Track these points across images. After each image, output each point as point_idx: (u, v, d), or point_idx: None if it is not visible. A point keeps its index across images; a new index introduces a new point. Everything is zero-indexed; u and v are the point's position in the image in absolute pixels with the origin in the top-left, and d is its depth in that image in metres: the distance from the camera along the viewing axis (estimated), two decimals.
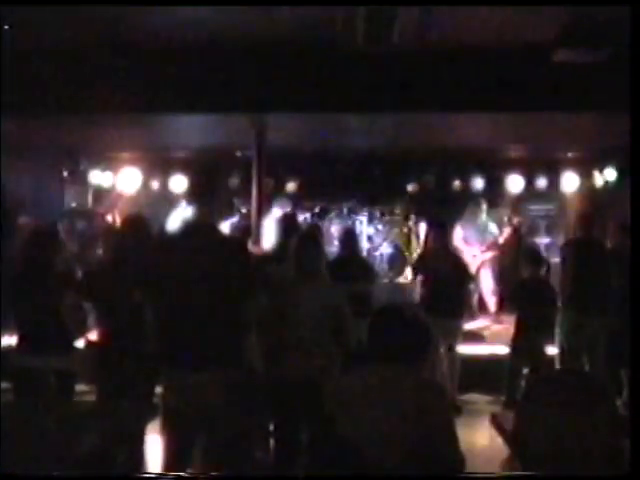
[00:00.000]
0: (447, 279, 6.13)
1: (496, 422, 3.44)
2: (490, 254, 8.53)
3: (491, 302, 8.45)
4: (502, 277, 8.47)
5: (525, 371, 5.87)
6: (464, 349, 6.48)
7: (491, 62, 5.98)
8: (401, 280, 9.08)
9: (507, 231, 8.57)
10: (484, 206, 8.68)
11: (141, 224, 4.30)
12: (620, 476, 1.53)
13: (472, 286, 6.98)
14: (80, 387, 4.56)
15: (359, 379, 2.64)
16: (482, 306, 8.48)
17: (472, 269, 7.01)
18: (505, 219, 8.84)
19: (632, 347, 3.48)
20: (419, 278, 6.53)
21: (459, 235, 8.41)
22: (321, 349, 3.95)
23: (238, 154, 9.00)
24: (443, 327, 5.96)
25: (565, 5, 4.77)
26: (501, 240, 8.55)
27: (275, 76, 6.19)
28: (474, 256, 8.37)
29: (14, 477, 2.62)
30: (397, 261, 9.30)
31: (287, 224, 5.45)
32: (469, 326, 7.11)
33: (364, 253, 8.77)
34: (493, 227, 8.64)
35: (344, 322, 4.04)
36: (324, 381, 3.50)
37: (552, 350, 6.03)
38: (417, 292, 6.56)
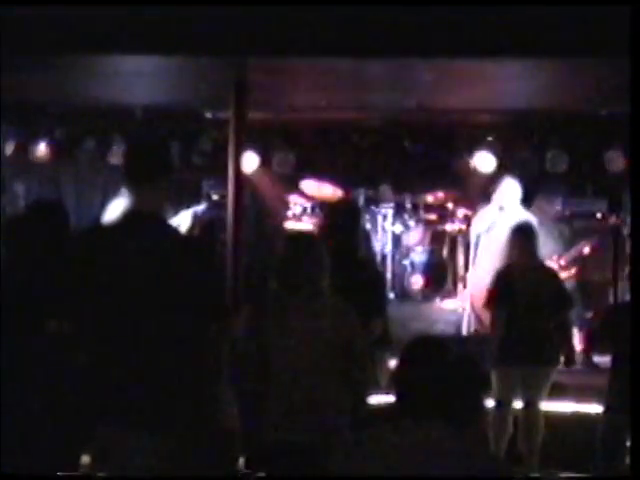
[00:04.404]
0: (536, 308, 6.22)
1: None
2: (574, 270, 8.47)
3: (578, 338, 8.38)
4: (591, 302, 8.47)
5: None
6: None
7: None
8: (444, 302, 9.11)
9: (592, 241, 8.48)
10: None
11: (55, 217, 4.21)
12: (620, 476, 1.59)
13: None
14: None
15: (381, 442, 2.64)
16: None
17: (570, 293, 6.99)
18: (598, 216, 8.79)
19: (632, 349, 4.66)
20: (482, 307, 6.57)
21: None
22: (324, 399, 3.97)
23: (208, 115, 9.01)
24: (526, 377, 6.11)
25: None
26: (587, 249, 8.50)
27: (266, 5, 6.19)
28: None
29: (14, 477, 3.48)
30: (435, 273, 9.31)
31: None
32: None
33: (384, 260, 8.80)
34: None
35: (358, 361, 4.05)
36: (329, 445, 3.52)
37: None
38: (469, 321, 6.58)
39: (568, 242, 8.57)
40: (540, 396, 6.36)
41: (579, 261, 8.53)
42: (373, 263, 6.23)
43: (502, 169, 9.33)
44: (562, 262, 8.42)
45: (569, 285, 8.22)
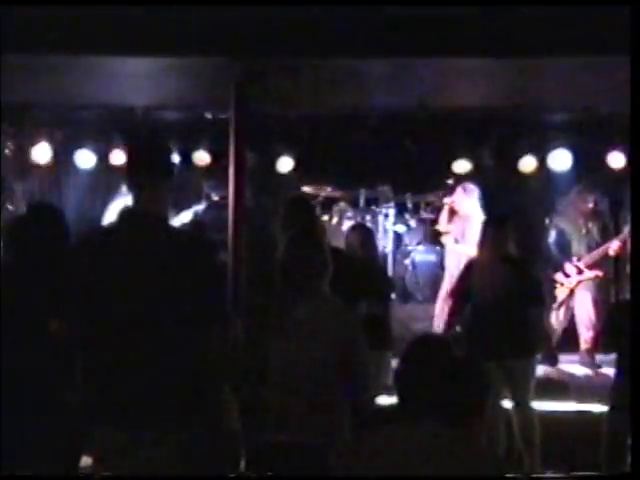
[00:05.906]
0: (500, 302, 6.15)
1: None
2: (594, 273, 8.35)
3: (585, 337, 8.35)
4: (603, 302, 8.44)
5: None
6: (539, 406, 6.50)
7: None
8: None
9: (623, 236, 8.25)
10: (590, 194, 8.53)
11: (52, 219, 4.23)
12: (620, 476, 1.60)
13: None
14: None
15: (381, 442, 2.65)
16: (573, 341, 8.47)
17: (544, 290, 6.84)
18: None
19: (632, 346, 4.72)
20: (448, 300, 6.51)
21: (552, 239, 8.44)
22: (324, 399, 3.97)
23: (208, 116, 9.01)
24: (506, 373, 6.02)
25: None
26: (612, 251, 8.29)
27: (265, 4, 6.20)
28: (567, 275, 8.32)
29: (14, 477, 3.61)
30: (436, 272, 9.31)
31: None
32: None
33: (385, 259, 8.80)
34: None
35: (359, 362, 4.05)
36: (329, 445, 3.52)
37: None
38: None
39: (595, 241, 8.45)
40: (527, 391, 6.26)
41: (602, 262, 8.41)
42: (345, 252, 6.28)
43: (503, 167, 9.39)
44: (581, 264, 8.35)
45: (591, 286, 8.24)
